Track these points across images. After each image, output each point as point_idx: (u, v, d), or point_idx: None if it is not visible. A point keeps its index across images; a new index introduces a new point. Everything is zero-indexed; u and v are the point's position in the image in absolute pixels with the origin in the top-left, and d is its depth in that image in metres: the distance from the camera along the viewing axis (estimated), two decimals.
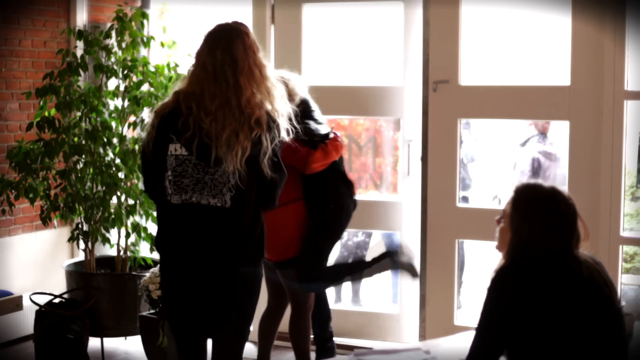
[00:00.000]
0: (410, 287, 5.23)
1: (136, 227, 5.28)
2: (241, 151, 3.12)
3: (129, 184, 5.29)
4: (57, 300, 5.17)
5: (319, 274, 4.31)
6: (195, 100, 3.17)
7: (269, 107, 3.21)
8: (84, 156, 5.22)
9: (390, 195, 6.17)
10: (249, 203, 3.20)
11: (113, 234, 5.39)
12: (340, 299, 6.41)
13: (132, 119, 5.37)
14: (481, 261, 6.53)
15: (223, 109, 3.15)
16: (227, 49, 3.17)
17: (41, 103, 5.21)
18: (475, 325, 2.72)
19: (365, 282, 6.76)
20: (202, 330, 3.32)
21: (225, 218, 3.17)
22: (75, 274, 5.29)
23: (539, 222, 2.70)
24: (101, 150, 5.22)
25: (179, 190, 3.19)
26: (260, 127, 3.15)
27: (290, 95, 4.09)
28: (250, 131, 3.14)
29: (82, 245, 5.37)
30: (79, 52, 5.46)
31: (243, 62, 3.17)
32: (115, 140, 5.26)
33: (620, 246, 4.66)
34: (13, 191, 5.17)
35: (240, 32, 3.21)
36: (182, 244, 3.23)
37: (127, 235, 5.30)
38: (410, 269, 4.41)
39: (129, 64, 5.25)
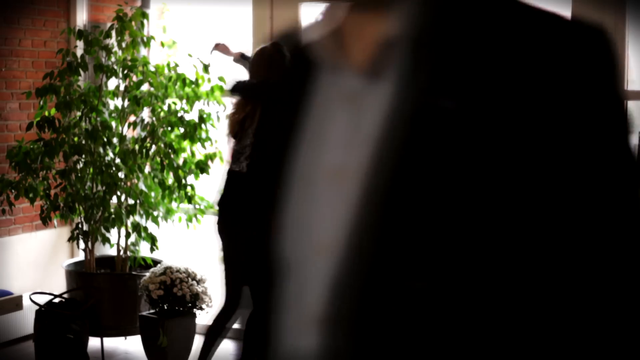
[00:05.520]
0: None
1: (136, 227, 5.27)
2: (250, 128, 4.08)
3: (129, 183, 5.28)
4: (57, 300, 5.17)
5: None
6: None
7: None
8: (84, 156, 5.22)
9: None
10: (262, 168, 3.93)
11: (113, 234, 5.39)
12: None
13: (132, 118, 5.37)
14: None
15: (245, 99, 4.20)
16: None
17: (41, 103, 5.21)
18: None
19: None
20: (237, 276, 4.20)
21: (244, 181, 4.10)
22: (75, 273, 5.29)
23: None
24: (101, 150, 5.22)
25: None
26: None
27: None
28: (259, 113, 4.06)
29: (82, 245, 5.36)
30: (79, 52, 5.46)
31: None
32: (115, 140, 5.26)
33: None
34: (13, 191, 5.16)
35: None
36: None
37: (127, 235, 5.30)
38: None
39: (129, 63, 5.25)
